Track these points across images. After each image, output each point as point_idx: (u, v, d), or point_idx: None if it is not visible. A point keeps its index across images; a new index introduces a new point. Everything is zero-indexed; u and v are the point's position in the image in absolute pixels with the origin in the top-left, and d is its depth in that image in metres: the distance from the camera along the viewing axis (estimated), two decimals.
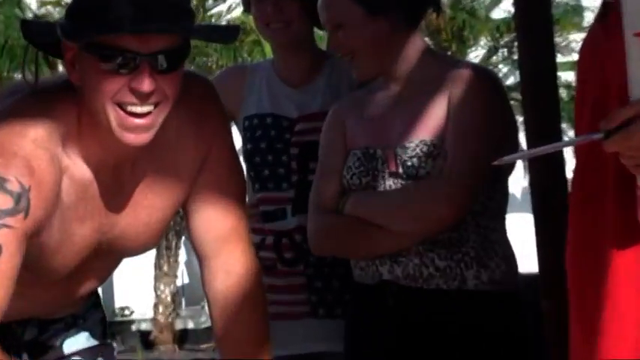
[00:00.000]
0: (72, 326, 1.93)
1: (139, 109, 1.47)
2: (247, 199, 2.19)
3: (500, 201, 2.19)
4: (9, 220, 1.44)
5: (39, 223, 1.49)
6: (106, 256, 1.73)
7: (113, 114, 1.46)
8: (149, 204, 1.69)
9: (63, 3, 11.33)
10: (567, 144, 1.52)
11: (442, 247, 2.10)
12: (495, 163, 1.41)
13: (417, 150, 2.09)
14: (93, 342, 1.96)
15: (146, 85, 1.44)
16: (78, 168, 1.58)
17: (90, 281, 1.84)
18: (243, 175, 1.94)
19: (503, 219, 2.21)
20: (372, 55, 2.16)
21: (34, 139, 1.50)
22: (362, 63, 2.17)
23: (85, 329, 1.95)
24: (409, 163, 2.09)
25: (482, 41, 12.60)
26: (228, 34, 1.75)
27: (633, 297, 1.39)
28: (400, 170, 2.10)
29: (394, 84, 2.22)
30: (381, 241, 2.14)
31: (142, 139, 1.50)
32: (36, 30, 1.64)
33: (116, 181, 1.63)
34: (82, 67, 1.49)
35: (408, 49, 2.20)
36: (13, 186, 1.44)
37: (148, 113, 1.47)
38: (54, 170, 1.51)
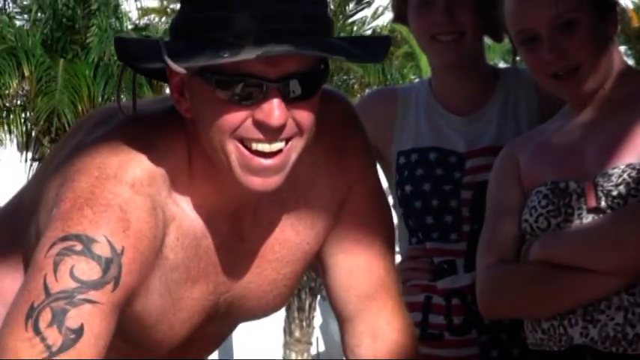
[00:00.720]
0: None
1: (267, 148, 1.35)
2: (403, 254, 2.34)
3: None
4: (94, 295, 1.34)
5: (133, 291, 1.42)
6: (222, 321, 1.68)
7: (235, 153, 1.36)
8: (276, 258, 1.60)
9: (169, 11, 11.38)
10: None
11: None
12: None
13: (625, 176, 1.98)
14: None
15: (276, 118, 1.33)
16: (187, 217, 1.49)
17: (201, 350, 1.82)
18: (392, 217, 1.81)
19: None
20: (598, 68, 2.00)
21: (133, 183, 1.41)
22: (589, 77, 1.99)
23: None
24: (615, 193, 1.96)
25: None
26: (377, 49, 1.54)
27: None
28: (603, 204, 1.95)
29: (587, 107, 2.08)
30: (582, 287, 1.97)
31: (271, 184, 1.39)
32: (134, 50, 1.47)
33: (235, 233, 1.55)
34: (194, 95, 1.40)
35: (614, 63, 2.06)
36: (103, 250, 1.36)
37: (279, 152, 1.36)
38: (156, 222, 1.43)
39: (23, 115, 10.52)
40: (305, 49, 1.30)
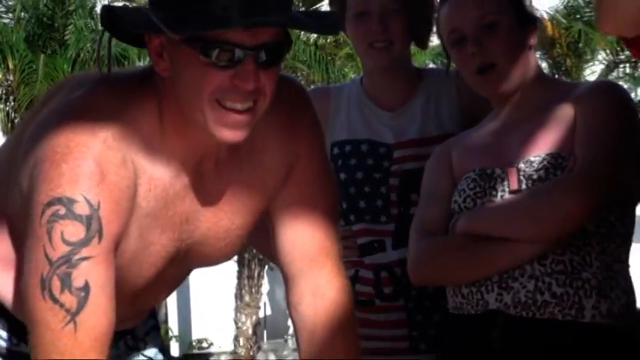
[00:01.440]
0: (132, 349, 1.95)
1: (239, 106, 1.45)
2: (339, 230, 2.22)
3: (628, 227, 2.17)
4: (85, 252, 1.42)
5: (118, 237, 1.49)
6: (180, 265, 1.74)
7: (211, 111, 1.45)
8: (231, 209, 1.67)
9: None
10: None
11: (561, 271, 2.04)
12: None
13: (545, 162, 2.08)
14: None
15: (251, 82, 1.43)
16: (157, 169, 1.54)
17: (159, 292, 1.87)
18: (336, 187, 1.88)
19: (629, 248, 2.20)
20: (516, 67, 2.15)
21: (105, 139, 1.45)
22: (506, 74, 2.13)
23: (145, 355, 1.99)
24: (535, 177, 2.07)
25: (601, 55, 11.98)
26: (332, 23, 1.65)
27: None
28: (523, 186, 2.08)
29: (507, 108, 2.22)
30: (499, 256, 2.07)
31: (239, 136, 1.48)
32: (123, 15, 1.54)
33: (198, 185, 1.61)
34: (175, 59, 1.46)
35: (530, 69, 2.21)
36: (82, 209, 1.42)
37: (248, 110, 1.45)
38: (127, 174, 1.48)
39: (7, 103, 10.66)
40: (281, 23, 1.45)
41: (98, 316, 1.42)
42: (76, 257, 1.38)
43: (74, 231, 1.38)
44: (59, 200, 1.38)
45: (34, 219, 1.40)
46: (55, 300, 1.37)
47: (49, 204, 1.38)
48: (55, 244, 1.38)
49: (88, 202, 1.39)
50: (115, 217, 1.44)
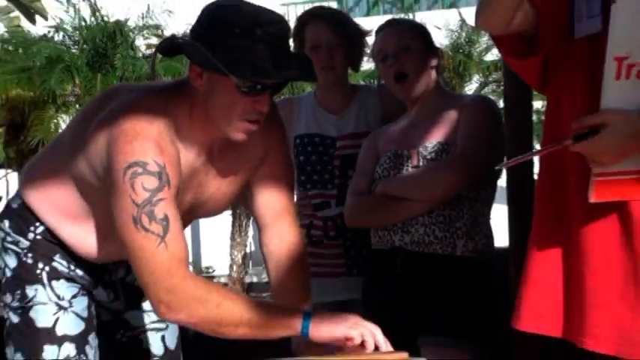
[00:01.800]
0: None
1: (254, 119, 1.46)
2: (298, 196, 2.27)
3: (490, 194, 2.17)
4: (160, 194, 1.40)
5: (176, 189, 1.44)
6: (190, 215, 1.67)
7: (240, 124, 1.45)
8: (226, 180, 1.65)
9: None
10: (547, 149, 1.47)
11: (442, 221, 2.07)
12: (498, 167, 1.73)
13: (436, 148, 2.09)
14: None
15: (266, 108, 1.45)
16: (187, 150, 1.52)
17: None
18: (294, 173, 1.92)
19: (490, 207, 2.20)
20: (421, 79, 2.11)
21: (158, 126, 1.43)
22: (414, 83, 2.12)
23: None
24: (429, 157, 2.09)
25: (475, 77, 12.38)
26: (312, 70, 1.62)
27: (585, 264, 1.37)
28: (421, 164, 2.09)
29: (414, 110, 2.19)
30: (402, 210, 2.10)
31: (246, 138, 1.49)
32: (180, 46, 1.54)
33: (208, 163, 1.58)
34: (213, 81, 1.42)
35: (432, 83, 2.17)
36: (154, 168, 1.39)
37: (257, 122, 1.46)
38: (174, 151, 1.46)
39: (75, 108, 10.25)
40: (298, 78, 1.62)
41: (178, 237, 1.41)
42: (155, 199, 1.38)
43: (150, 182, 1.37)
44: (135, 163, 1.37)
45: (117, 180, 1.37)
46: (146, 230, 1.37)
47: (128, 167, 1.37)
48: (137, 192, 1.37)
49: (157, 163, 1.39)
50: (174, 174, 1.42)
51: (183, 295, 1.39)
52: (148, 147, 1.39)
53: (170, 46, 1.56)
